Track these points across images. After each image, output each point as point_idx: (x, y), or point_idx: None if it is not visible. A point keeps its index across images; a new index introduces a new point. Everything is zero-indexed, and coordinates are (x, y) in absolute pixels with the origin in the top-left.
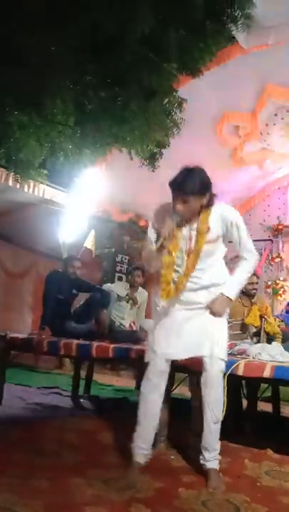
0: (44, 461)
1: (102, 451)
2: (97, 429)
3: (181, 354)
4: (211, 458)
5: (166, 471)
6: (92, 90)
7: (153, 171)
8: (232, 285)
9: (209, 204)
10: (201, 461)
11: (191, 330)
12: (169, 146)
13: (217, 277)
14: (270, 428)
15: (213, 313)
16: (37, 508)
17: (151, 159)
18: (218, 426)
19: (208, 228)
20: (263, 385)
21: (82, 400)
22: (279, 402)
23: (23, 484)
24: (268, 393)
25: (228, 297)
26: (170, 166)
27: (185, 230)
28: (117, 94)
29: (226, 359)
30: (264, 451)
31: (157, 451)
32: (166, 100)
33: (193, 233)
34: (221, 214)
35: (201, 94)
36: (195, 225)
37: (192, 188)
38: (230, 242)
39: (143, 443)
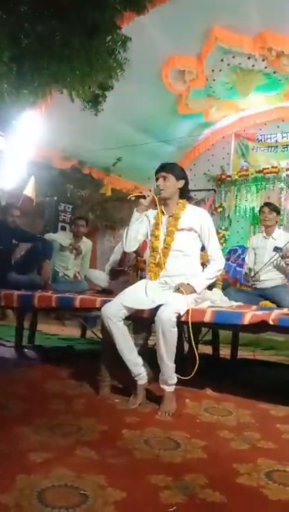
0: None
1: (49, 400)
2: (43, 378)
3: (140, 305)
4: (169, 384)
5: (110, 414)
6: (28, 23)
7: (96, 114)
8: (200, 278)
9: (185, 195)
10: (162, 386)
11: (157, 291)
12: (112, 88)
13: (189, 268)
14: (210, 369)
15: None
16: None
17: (94, 102)
18: (172, 363)
19: (180, 215)
20: (204, 329)
21: (26, 350)
22: (218, 344)
23: None
24: (209, 337)
25: (193, 287)
26: (114, 111)
27: (164, 218)
28: (56, 29)
29: (180, 312)
30: (204, 391)
31: (102, 396)
32: (109, 38)
33: (170, 219)
34: (199, 214)
35: (146, 33)
36: (172, 212)
37: (171, 167)
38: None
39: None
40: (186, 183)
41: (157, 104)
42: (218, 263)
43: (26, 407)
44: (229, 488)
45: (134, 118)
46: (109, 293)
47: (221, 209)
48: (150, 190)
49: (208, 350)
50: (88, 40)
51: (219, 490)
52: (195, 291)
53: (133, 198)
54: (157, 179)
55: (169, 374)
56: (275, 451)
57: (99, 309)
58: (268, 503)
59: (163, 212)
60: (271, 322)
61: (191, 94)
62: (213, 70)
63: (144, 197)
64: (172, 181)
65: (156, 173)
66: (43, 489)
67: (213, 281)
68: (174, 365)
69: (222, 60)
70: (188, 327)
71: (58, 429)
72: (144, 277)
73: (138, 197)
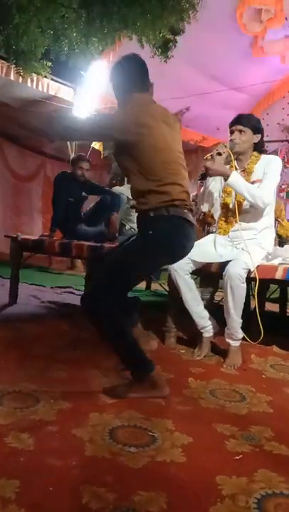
0: (60, 355)
1: None
2: None
3: (208, 259)
4: (235, 339)
5: (176, 364)
6: None
7: (166, 61)
8: (241, 179)
9: (259, 149)
10: (227, 340)
11: (226, 246)
12: (183, 32)
13: (260, 223)
14: (277, 326)
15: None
16: (56, 395)
17: (164, 48)
18: (239, 318)
19: (253, 169)
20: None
21: None
22: (286, 302)
23: (42, 375)
24: (276, 295)
25: (228, 175)
26: (183, 57)
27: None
28: None
29: (249, 268)
30: (270, 348)
31: (167, 345)
32: None
33: (242, 174)
34: (267, 160)
35: None
36: (244, 167)
37: (248, 120)
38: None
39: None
40: (262, 137)
41: (229, 49)
42: (260, 192)
43: (94, 351)
44: None
45: (203, 64)
46: None
47: None
48: (225, 146)
49: (275, 308)
50: None
51: (286, 443)
52: (225, 175)
53: (209, 158)
54: (232, 132)
55: (236, 329)
56: None
57: None
58: None
59: (236, 168)
60: None
61: (267, 36)
62: None
63: (220, 154)
64: (249, 135)
65: (232, 125)
66: (114, 427)
67: (247, 195)
68: (241, 321)
69: None
70: (256, 284)
71: (125, 373)
72: (211, 232)
73: (213, 155)
